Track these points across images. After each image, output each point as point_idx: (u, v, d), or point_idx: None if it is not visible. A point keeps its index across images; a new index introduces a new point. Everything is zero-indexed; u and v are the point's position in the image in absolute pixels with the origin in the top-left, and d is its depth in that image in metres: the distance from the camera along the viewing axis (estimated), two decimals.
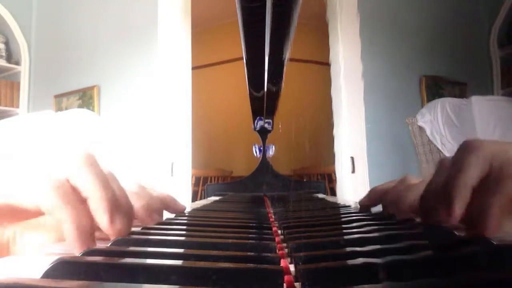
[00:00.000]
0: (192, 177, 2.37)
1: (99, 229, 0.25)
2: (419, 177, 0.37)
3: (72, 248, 0.23)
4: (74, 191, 0.24)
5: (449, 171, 0.26)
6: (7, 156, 0.25)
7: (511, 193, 0.22)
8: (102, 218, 0.24)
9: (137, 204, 0.33)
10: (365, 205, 0.41)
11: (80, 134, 1.32)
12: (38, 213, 0.25)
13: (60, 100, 2.64)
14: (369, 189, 0.42)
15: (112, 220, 0.24)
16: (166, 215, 0.41)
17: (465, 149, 0.25)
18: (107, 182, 0.25)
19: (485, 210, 0.22)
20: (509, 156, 0.23)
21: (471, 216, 0.24)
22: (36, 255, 0.23)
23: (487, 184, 0.23)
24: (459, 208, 0.24)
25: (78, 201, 0.24)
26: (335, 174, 2.23)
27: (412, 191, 0.33)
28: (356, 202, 0.59)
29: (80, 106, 2.49)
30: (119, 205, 0.25)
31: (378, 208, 0.41)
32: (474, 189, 0.24)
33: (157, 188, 0.38)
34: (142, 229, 0.30)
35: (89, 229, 0.24)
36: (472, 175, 0.24)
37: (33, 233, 0.27)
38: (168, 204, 0.39)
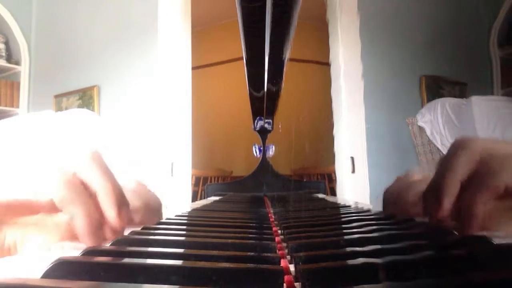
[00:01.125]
0: (192, 177, 2.37)
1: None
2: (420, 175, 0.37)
3: (84, 242, 0.24)
4: (83, 185, 0.25)
5: (440, 168, 0.26)
6: (7, 156, 0.25)
7: (496, 188, 0.22)
8: (110, 211, 0.25)
9: (136, 203, 0.33)
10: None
11: (80, 134, 1.32)
12: (45, 209, 0.25)
13: (60, 100, 2.64)
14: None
15: (119, 213, 0.26)
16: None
17: (456, 146, 0.26)
18: (114, 178, 0.27)
19: (469, 207, 0.23)
20: (496, 152, 0.24)
21: (459, 211, 0.24)
22: (36, 255, 0.23)
23: (473, 180, 0.24)
24: (447, 203, 0.25)
25: (87, 195, 0.25)
26: (335, 174, 2.23)
27: (413, 190, 0.33)
28: (357, 202, 0.59)
29: (80, 106, 2.48)
30: (124, 200, 0.27)
31: (378, 208, 0.41)
32: (463, 185, 0.25)
33: (150, 185, 0.40)
34: (142, 229, 0.30)
35: (99, 224, 0.25)
36: (459, 171, 0.25)
37: (34, 235, 0.27)
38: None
